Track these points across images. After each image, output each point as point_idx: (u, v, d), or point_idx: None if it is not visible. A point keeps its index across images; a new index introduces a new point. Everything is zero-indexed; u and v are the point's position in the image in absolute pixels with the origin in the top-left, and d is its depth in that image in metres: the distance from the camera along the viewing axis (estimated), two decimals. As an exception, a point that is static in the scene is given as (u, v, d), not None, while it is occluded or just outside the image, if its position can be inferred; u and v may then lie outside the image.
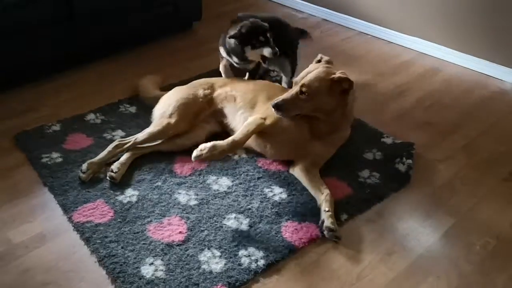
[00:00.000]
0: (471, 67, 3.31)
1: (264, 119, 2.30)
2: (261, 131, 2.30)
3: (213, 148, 2.08)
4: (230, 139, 2.17)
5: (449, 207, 2.19)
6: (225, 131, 2.50)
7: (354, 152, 2.48)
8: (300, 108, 2.21)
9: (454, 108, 2.91)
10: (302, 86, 2.17)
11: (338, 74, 2.15)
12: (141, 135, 2.40)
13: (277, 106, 2.19)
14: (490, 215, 2.16)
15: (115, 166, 2.27)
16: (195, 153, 2.07)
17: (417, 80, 3.21)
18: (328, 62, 2.30)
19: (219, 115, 2.53)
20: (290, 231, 2.04)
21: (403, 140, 2.56)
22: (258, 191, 2.24)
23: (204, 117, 2.52)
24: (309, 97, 2.17)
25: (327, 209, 2.05)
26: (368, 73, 3.29)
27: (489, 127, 2.74)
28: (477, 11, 3.17)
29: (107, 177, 2.26)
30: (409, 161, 2.39)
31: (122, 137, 2.53)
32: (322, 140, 2.29)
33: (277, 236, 2.01)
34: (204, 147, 2.08)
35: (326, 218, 2.02)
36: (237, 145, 2.19)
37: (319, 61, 2.33)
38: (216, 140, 2.14)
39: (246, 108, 2.45)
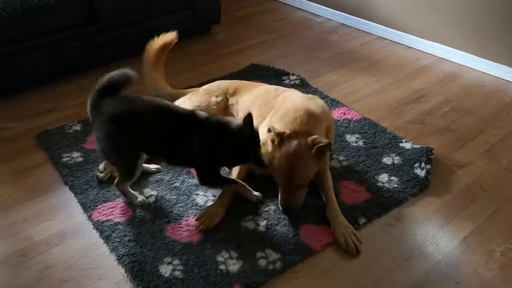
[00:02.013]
0: (491, 73, 3.28)
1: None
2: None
3: (209, 212, 2.08)
4: (219, 194, 2.15)
5: (469, 213, 2.17)
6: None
7: (373, 156, 2.48)
8: (304, 193, 2.11)
9: (473, 113, 2.89)
10: (300, 187, 2.06)
11: (319, 145, 1.98)
12: None
13: (288, 214, 2.08)
14: (511, 222, 2.14)
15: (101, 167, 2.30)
16: (199, 226, 2.04)
17: (436, 85, 3.19)
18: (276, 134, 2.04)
19: None
20: (308, 234, 2.04)
21: (422, 145, 2.55)
22: (273, 194, 2.24)
23: None
24: (306, 184, 2.09)
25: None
26: (387, 78, 3.27)
27: (510, 133, 2.71)
28: (496, 16, 3.14)
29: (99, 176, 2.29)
30: (428, 166, 2.38)
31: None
32: None
33: (294, 238, 2.01)
34: (199, 218, 2.06)
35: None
36: (229, 196, 2.14)
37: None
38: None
39: None
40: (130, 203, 2.16)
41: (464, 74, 3.31)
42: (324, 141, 2.00)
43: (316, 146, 1.99)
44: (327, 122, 2.22)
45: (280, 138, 2.02)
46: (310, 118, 2.12)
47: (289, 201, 2.05)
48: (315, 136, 2.02)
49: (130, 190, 2.17)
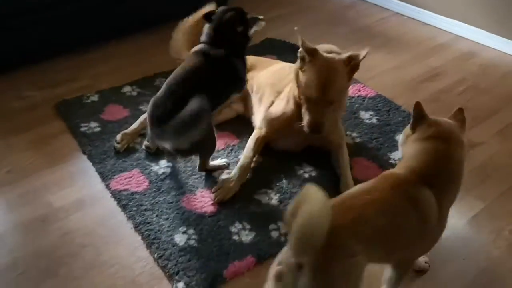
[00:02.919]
0: (509, 51, 3.24)
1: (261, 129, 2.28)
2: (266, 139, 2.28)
3: (225, 186, 2.10)
4: (236, 168, 2.16)
5: (480, 191, 2.19)
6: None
7: (386, 134, 2.49)
8: (330, 116, 2.10)
9: (489, 93, 2.88)
10: (331, 103, 2.04)
11: (345, 55, 2.03)
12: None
13: (316, 131, 2.06)
14: (521, 201, 2.16)
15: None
16: (214, 198, 2.09)
17: (453, 63, 3.17)
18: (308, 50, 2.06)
19: (245, 98, 2.52)
20: (319, 208, 2.07)
21: (435, 123, 2.55)
22: (288, 168, 2.28)
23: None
24: (337, 105, 2.10)
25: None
26: (403, 55, 3.26)
27: (525, 114, 2.71)
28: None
29: (143, 147, 2.33)
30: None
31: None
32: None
33: (306, 212, 2.06)
34: (216, 191, 2.10)
35: None
36: (245, 170, 2.17)
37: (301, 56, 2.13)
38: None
39: (256, 101, 2.44)
40: (143, 171, 2.22)
41: (481, 53, 3.28)
42: (359, 57, 2.03)
43: (351, 62, 2.03)
44: None
45: (312, 54, 2.04)
46: None
47: (317, 118, 2.04)
48: (350, 53, 2.05)
49: (212, 162, 2.22)
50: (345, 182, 2.14)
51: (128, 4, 3.24)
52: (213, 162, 2.24)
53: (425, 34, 3.52)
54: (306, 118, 2.09)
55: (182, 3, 3.50)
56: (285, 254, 1.32)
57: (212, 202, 2.09)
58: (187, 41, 2.62)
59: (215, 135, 2.11)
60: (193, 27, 2.55)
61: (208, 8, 2.40)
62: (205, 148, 2.13)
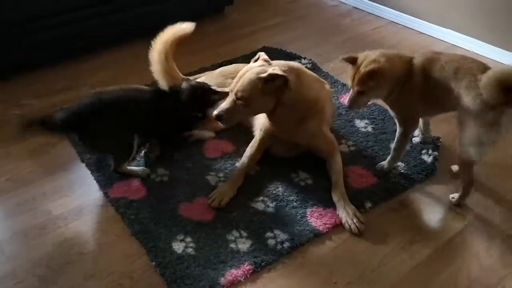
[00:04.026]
0: (503, 61, 3.28)
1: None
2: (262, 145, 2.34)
3: (219, 190, 2.17)
4: (232, 173, 2.24)
5: (473, 199, 2.22)
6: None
7: (381, 142, 2.53)
8: (242, 114, 2.17)
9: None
10: (236, 93, 2.11)
11: (268, 72, 2.07)
12: None
13: (217, 117, 2.15)
14: (513, 210, 2.20)
15: (150, 147, 2.36)
16: (210, 203, 2.13)
17: (447, 72, 3.20)
18: (265, 60, 2.20)
19: None
20: (315, 216, 2.11)
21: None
22: (284, 176, 2.31)
23: None
24: (246, 103, 2.11)
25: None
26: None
27: (518, 123, 2.74)
28: (510, 4, 3.13)
29: (142, 157, 2.36)
30: (435, 153, 2.43)
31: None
32: (299, 130, 2.27)
33: (302, 220, 2.09)
34: (211, 198, 2.15)
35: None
36: (240, 174, 2.23)
37: (256, 60, 2.24)
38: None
39: None
40: (142, 179, 2.26)
41: (475, 62, 3.32)
42: (279, 73, 2.08)
43: (268, 73, 2.09)
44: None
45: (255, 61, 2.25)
46: None
47: (224, 112, 2.13)
48: (273, 67, 2.12)
49: (128, 168, 2.28)
50: (338, 189, 2.17)
51: (126, 13, 3.27)
52: (130, 168, 2.29)
53: (420, 43, 3.57)
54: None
55: (180, 11, 3.56)
56: None
57: (209, 210, 2.11)
58: (170, 63, 2.58)
59: (131, 148, 2.23)
60: (172, 48, 2.56)
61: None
62: (114, 154, 2.25)
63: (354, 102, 2.11)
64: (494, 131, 1.90)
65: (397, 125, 2.24)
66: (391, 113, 2.26)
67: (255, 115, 2.32)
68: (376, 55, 2.05)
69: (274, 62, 2.23)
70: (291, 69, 2.16)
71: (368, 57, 2.05)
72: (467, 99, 1.91)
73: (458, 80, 1.96)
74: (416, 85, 2.07)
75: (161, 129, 2.35)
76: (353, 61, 2.08)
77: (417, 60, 2.08)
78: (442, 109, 2.21)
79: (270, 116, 2.25)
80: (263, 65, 2.16)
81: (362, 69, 2.02)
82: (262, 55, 2.25)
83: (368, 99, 2.14)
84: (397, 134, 2.25)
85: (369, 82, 2.03)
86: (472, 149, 1.97)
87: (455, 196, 2.19)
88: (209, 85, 2.35)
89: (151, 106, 2.26)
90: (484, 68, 1.95)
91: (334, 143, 2.34)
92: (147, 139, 2.38)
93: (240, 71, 2.18)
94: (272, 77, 2.07)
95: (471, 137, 1.96)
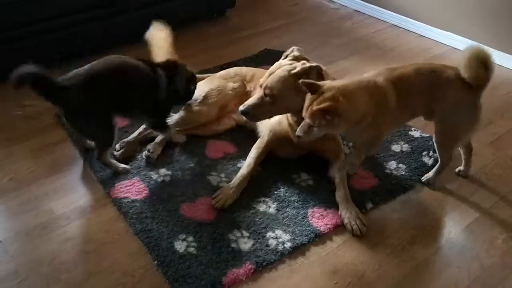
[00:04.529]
0: (503, 64, 3.31)
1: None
2: (268, 147, 2.34)
3: (224, 192, 2.16)
4: (236, 176, 2.22)
5: (473, 201, 2.24)
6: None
7: (382, 144, 2.54)
8: (268, 112, 2.17)
9: (483, 104, 2.91)
10: (264, 89, 2.10)
11: (300, 67, 2.04)
12: (172, 120, 2.49)
13: (243, 113, 2.15)
14: (513, 211, 2.21)
15: (151, 147, 2.38)
16: (214, 204, 2.14)
17: (447, 75, 3.22)
18: (296, 58, 2.16)
19: None
20: (316, 217, 2.12)
21: (430, 134, 2.60)
22: (285, 176, 2.32)
23: (233, 108, 2.54)
24: (274, 100, 2.09)
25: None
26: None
27: (518, 125, 2.76)
28: (509, 8, 3.15)
29: (144, 157, 2.37)
30: (436, 154, 2.44)
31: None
32: None
33: (303, 220, 2.10)
34: (215, 197, 2.15)
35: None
36: (245, 179, 2.22)
37: (287, 56, 2.23)
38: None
39: None
40: (143, 179, 2.26)
41: (476, 65, 3.34)
42: (312, 65, 2.10)
43: (300, 68, 2.08)
44: None
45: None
46: None
47: (251, 108, 2.15)
48: (303, 61, 2.13)
49: (111, 160, 2.29)
50: (341, 190, 2.18)
51: (128, 15, 3.29)
52: (114, 162, 2.31)
53: (420, 45, 3.59)
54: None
55: (182, 13, 3.58)
56: None
57: (211, 210, 2.12)
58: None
59: (112, 133, 2.19)
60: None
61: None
62: (96, 140, 2.25)
63: (304, 133, 1.95)
64: (480, 112, 2.08)
65: (356, 149, 2.18)
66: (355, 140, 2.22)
67: (282, 113, 2.24)
68: (337, 90, 1.87)
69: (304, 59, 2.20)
70: (319, 67, 2.14)
71: (328, 90, 1.87)
72: (453, 92, 2.01)
73: (435, 81, 2.01)
74: (392, 105, 1.99)
75: (147, 106, 2.28)
76: (314, 89, 1.90)
77: (382, 80, 1.98)
78: (413, 117, 2.22)
79: (297, 115, 2.13)
80: (293, 63, 2.13)
81: (315, 105, 1.85)
82: (295, 50, 2.22)
83: (320, 133, 1.97)
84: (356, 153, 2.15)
85: (322, 120, 1.87)
86: (469, 132, 2.14)
87: (427, 176, 2.30)
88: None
89: (145, 81, 2.23)
90: (445, 66, 2.07)
91: (341, 145, 2.36)
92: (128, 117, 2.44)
93: (271, 67, 2.17)
94: (305, 71, 2.04)
95: (469, 122, 2.09)
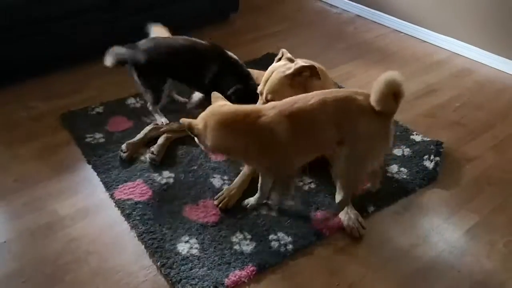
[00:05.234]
0: (504, 70, 3.32)
1: None
2: None
3: (226, 193, 2.19)
4: (238, 176, 2.25)
5: (474, 205, 2.25)
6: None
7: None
8: None
9: (484, 109, 2.95)
10: (266, 97, 2.14)
11: (294, 67, 2.11)
12: (176, 123, 2.51)
13: None
14: (514, 215, 2.22)
15: (155, 149, 2.40)
16: (218, 204, 2.17)
17: (449, 79, 3.24)
18: (289, 59, 2.20)
19: None
20: (318, 219, 2.13)
21: (432, 138, 2.62)
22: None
23: None
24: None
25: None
26: (400, 71, 3.25)
27: (519, 130, 2.78)
28: (511, 14, 3.18)
29: (148, 159, 2.39)
30: (437, 158, 2.45)
31: (160, 121, 2.64)
32: None
33: (305, 223, 2.11)
34: (219, 199, 2.18)
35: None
36: (246, 178, 2.24)
37: (279, 59, 2.25)
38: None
39: None
40: (147, 181, 2.28)
41: (477, 70, 3.36)
42: (305, 65, 2.13)
43: (295, 68, 2.12)
44: None
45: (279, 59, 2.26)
46: None
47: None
48: (295, 62, 2.17)
49: (156, 113, 2.62)
50: (342, 193, 2.18)
51: (132, 17, 3.32)
52: (157, 114, 2.62)
53: (422, 51, 3.61)
54: None
55: (186, 17, 3.61)
56: None
57: (214, 212, 2.14)
58: None
59: (153, 95, 2.59)
60: None
61: None
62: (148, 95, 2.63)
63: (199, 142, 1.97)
64: (391, 138, 1.97)
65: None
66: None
67: None
68: (221, 112, 1.89)
69: (297, 59, 2.22)
70: (314, 66, 2.18)
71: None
72: (365, 120, 1.87)
73: (344, 110, 1.89)
74: (282, 140, 1.89)
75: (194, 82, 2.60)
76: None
77: (272, 115, 1.87)
78: (325, 149, 2.13)
79: None
80: (286, 64, 2.17)
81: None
82: (286, 52, 2.26)
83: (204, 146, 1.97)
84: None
85: (191, 133, 1.93)
86: (379, 159, 2.03)
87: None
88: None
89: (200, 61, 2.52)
90: (356, 92, 1.93)
91: None
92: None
93: (266, 73, 2.20)
94: (299, 70, 2.10)
95: (380, 150, 1.98)
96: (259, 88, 2.20)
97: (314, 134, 1.93)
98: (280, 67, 2.16)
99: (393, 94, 1.82)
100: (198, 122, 1.89)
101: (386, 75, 1.82)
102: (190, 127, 1.89)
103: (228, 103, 1.96)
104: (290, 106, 1.88)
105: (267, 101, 2.14)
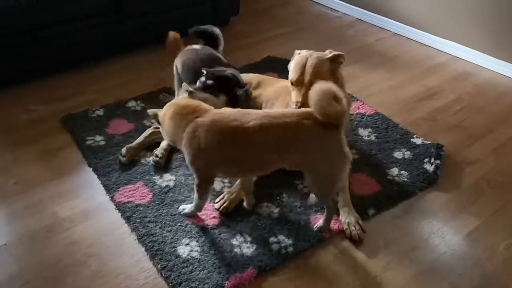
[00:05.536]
0: (504, 73, 3.33)
1: None
2: None
3: (227, 197, 2.19)
4: (237, 184, 2.24)
5: (475, 208, 2.25)
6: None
7: (384, 150, 2.56)
8: None
9: (485, 112, 2.95)
10: (309, 82, 2.11)
11: (331, 54, 2.21)
12: None
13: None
14: (515, 218, 2.22)
15: (159, 152, 2.41)
16: (219, 208, 2.17)
17: (449, 83, 3.25)
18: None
19: None
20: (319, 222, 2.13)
21: (432, 141, 2.62)
22: (288, 182, 2.33)
23: None
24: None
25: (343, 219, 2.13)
26: (401, 74, 3.34)
27: (520, 133, 2.78)
28: (511, 17, 3.19)
29: (152, 161, 2.40)
30: (438, 161, 2.46)
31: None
32: None
33: (306, 226, 2.11)
34: (219, 203, 2.18)
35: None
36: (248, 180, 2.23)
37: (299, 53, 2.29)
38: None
39: None
40: (147, 184, 2.27)
41: (477, 73, 3.36)
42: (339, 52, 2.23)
43: (333, 54, 2.23)
44: None
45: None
46: None
47: (303, 105, 2.11)
48: (329, 50, 2.26)
49: None
50: (342, 196, 2.19)
51: (133, 21, 3.33)
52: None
53: (422, 54, 3.61)
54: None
55: (187, 21, 3.61)
56: None
57: (214, 215, 2.14)
58: None
59: None
60: None
61: None
62: None
63: None
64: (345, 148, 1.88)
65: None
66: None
67: None
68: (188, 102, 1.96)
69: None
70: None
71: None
72: (315, 148, 1.83)
73: (289, 135, 1.85)
74: (208, 148, 1.90)
75: None
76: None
77: (200, 120, 1.89)
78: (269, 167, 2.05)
79: None
80: (313, 52, 2.24)
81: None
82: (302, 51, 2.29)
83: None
84: None
85: None
86: (343, 172, 1.95)
87: (319, 223, 2.09)
88: None
89: None
90: (299, 114, 1.86)
91: (348, 150, 2.36)
92: None
93: (295, 62, 2.22)
94: (336, 57, 2.21)
95: (339, 164, 1.90)
96: (296, 77, 2.18)
97: (247, 155, 1.89)
98: (313, 54, 2.22)
99: (332, 99, 1.75)
100: (162, 111, 1.97)
101: (316, 86, 1.79)
102: (155, 115, 1.99)
103: (193, 100, 1.99)
104: (227, 121, 1.85)
105: (309, 87, 2.03)
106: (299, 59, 2.22)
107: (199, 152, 1.89)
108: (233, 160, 1.93)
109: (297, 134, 1.82)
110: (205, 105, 1.96)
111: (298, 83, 2.18)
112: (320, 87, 1.77)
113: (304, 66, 2.17)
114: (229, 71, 2.39)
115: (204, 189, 2.03)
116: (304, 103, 2.11)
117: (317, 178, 1.93)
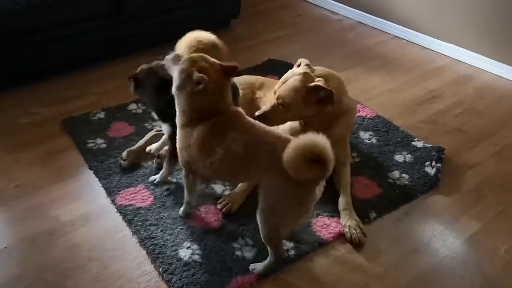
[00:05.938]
0: (505, 76, 3.33)
1: None
2: None
3: (230, 199, 2.19)
4: (238, 186, 2.24)
5: (476, 211, 2.25)
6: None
7: (385, 153, 2.56)
8: (282, 119, 2.16)
9: (485, 115, 2.95)
10: (277, 98, 2.11)
11: (314, 83, 2.06)
12: None
13: (258, 118, 2.06)
14: (516, 221, 2.22)
15: (162, 155, 2.40)
16: (221, 209, 2.17)
17: (450, 86, 3.25)
18: (308, 66, 2.18)
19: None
20: (320, 226, 2.13)
21: (433, 144, 2.62)
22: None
23: None
24: (286, 108, 2.09)
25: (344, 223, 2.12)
26: (401, 77, 3.34)
27: (520, 136, 2.78)
28: (511, 20, 3.20)
29: (155, 164, 2.40)
30: (439, 164, 2.45)
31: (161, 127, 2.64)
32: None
33: (307, 229, 2.11)
34: (222, 204, 2.18)
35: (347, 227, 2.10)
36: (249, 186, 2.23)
37: (298, 65, 2.22)
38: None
39: None
40: (148, 187, 2.27)
41: (478, 76, 3.37)
42: (324, 86, 2.06)
43: (314, 84, 2.07)
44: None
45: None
46: None
47: (265, 115, 2.11)
48: (319, 79, 2.09)
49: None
50: (344, 200, 2.19)
51: (134, 24, 3.33)
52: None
53: (423, 57, 3.62)
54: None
55: (187, 23, 3.61)
56: None
57: (215, 218, 2.14)
58: None
59: None
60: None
61: None
62: None
63: None
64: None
65: None
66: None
67: (296, 120, 2.24)
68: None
69: (316, 67, 2.21)
70: (333, 76, 2.19)
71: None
72: (270, 178, 1.71)
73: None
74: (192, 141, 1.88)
75: None
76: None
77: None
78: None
79: (305, 121, 2.21)
80: (305, 71, 2.11)
81: None
82: (304, 61, 2.22)
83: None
84: None
85: None
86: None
87: (256, 266, 1.92)
88: None
89: None
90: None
91: (349, 153, 2.37)
92: None
93: (284, 75, 2.17)
94: (317, 87, 2.04)
95: (296, 214, 1.77)
96: (275, 88, 2.17)
97: (224, 164, 1.80)
98: (299, 75, 2.10)
99: (309, 160, 1.53)
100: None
101: (294, 141, 1.57)
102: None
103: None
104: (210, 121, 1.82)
105: (278, 103, 2.12)
106: (288, 73, 2.18)
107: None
108: (214, 165, 1.81)
109: (265, 157, 1.70)
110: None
111: (274, 93, 2.17)
112: (296, 143, 1.54)
113: (283, 83, 2.14)
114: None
115: (188, 180, 2.02)
116: (268, 112, 2.11)
117: (261, 209, 1.77)
